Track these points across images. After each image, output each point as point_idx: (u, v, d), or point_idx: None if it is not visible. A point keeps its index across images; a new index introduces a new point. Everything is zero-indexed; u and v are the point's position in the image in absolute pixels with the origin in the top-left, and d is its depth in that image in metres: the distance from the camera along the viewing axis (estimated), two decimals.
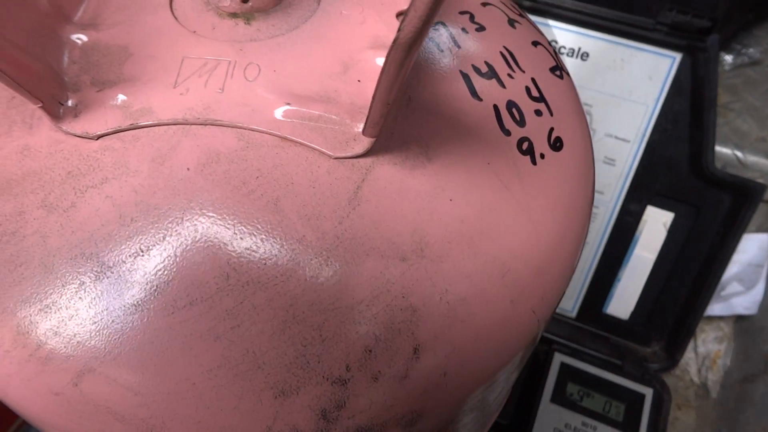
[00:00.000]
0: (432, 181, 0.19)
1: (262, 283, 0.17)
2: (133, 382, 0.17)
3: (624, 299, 0.56)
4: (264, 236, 0.17)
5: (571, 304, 0.58)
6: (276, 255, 0.17)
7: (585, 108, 0.55)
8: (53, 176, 0.18)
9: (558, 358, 0.54)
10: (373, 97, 0.15)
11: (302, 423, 0.17)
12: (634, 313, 0.55)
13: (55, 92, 0.18)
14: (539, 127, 0.22)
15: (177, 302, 0.17)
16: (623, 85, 0.53)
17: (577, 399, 0.52)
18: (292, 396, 0.17)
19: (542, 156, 0.21)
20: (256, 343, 0.17)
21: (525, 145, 0.21)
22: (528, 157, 0.21)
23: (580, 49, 0.54)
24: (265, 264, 0.17)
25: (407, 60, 0.14)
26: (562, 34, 0.54)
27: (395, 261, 0.18)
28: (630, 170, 0.54)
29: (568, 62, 0.54)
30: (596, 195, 0.56)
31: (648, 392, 0.51)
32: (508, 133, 0.21)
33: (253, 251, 0.17)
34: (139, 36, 0.20)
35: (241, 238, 0.17)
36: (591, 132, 0.55)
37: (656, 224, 0.55)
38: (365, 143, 0.18)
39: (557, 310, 0.58)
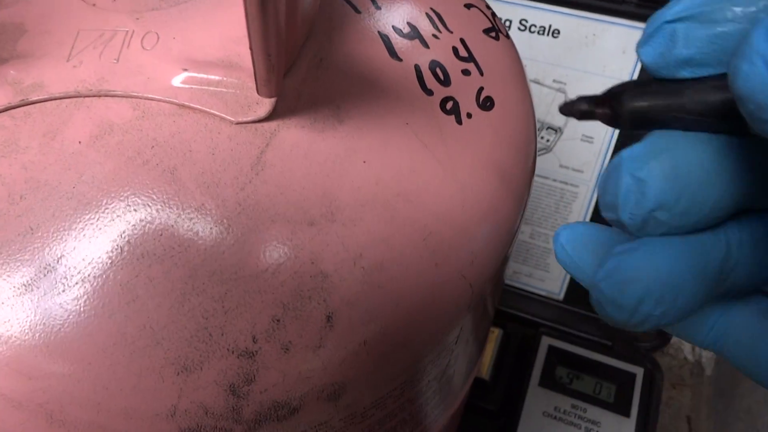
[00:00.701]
0: (343, 143, 0.18)
1: (158, 255, 0.16)
2: (27, 366, 0.16)
3: None
4: (159, 207, 0.16)
5: (557, 286, 0.57)
6: (173, 225, 0.16)
7: (558, 86, 0.54)
8: None
9: (545, 342, 0.53)
10: (251, 48, 0.14)
11: (210, 400, 0.16)
12: None
13: None
14: (467, 86, 0.21)
15: (68, 279, 0.16)
16: (596, 61, 0.52)
17: (567, 382, 0.50)
18: (196, 372, 0.16)
19: (469, 115, 0.20)
20: (154, 318, 0.16)
21: (449, 105, 0.20)
22: (452, 117, 0.20)
23: (550, 26, 0.53)
24: (161, 235, 0.16)
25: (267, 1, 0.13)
26: (532, 12, 0.53)
27: (303, 226, 0.17)
28: (609, 146, 0.53)
29: (540, 40, 0.53)
30: (576, 174, 0.55)
31: (639, 371, 0.50)
32: (430, 92, 0.20)
33: (148, 222, 0.16)
34: (36, 12, 0.19)
35: (135, 210, 0.16)
36: None
37: None
38: (267, 106, 0.17)
39: (543, 293, 0.57)
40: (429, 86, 0.20)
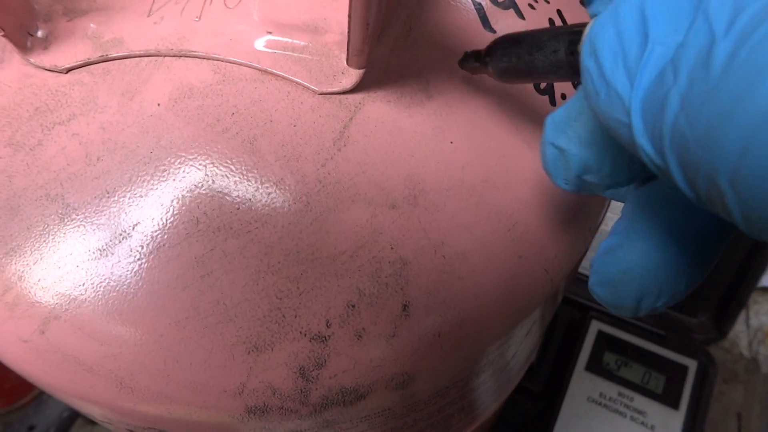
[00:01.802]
0: (430, 121, 0.17)
1: (234, 230, 0.15)
2: (99, 331, 0.15)
3: None
4: (238, 178, 0.16)
5: None
6: (250, 199, 0.15)
7: None
8: (21, 113, 0.17)
9: (595, 326, 0.51)
10: (349, 17, 0.13)
11: (279, 381, 0.16)
12: None
13: (24, 21, 0.17)
14: None
15: (143, 248, 0.15)
16: None
17: (614, 368, 0.49)
18: (267, 352, 0.15)
19: (563, 96, 0.19)
20: (228, 294, 0.15)
21: (543, 84, 0.19)
22: (546, 97, 0.18)
23: None
24: (238, 209, 0.15)
25: None
26: None
27: (384, 209, 0.16)
28: None
29: None
30: None
31: (692, 364, 0.48)
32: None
33: (226, 195, 0.15)
34: None
35: (213, 181, 0.16)
36: None
37: None
38: (353, 77, 0.16)
39: None
40: None
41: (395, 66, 0.17)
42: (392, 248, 0.16)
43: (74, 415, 0.51)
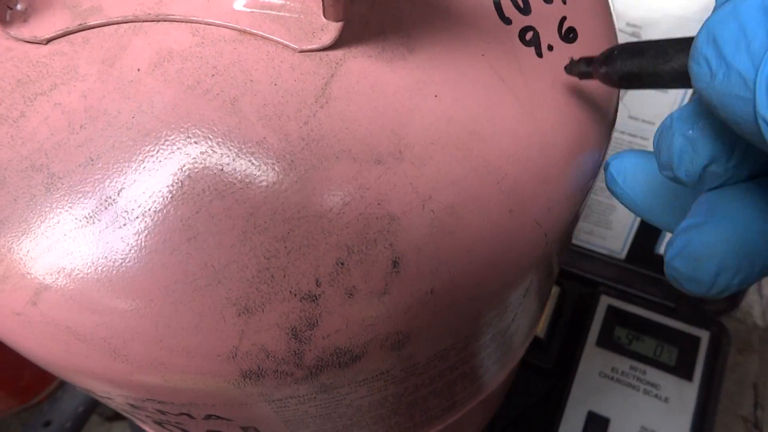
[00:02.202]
0: (414, 74, 0.17)
1: (219, 191, 0.15)
2: (90, 300, 0.15)
3: None
4: (220, 139, 0.15)
5: (620, 244, 0.54)
6: (234, 160, 0.15)
7: (632, 30, 0.50)
8: (3, 86, 0.17)
9: (605, 301, 0.51)
10: None
11: (271, 343, 0.16)
12: None
13: None
14: (548, 15, 0.19)
15: (129, 213, 0.15)
16: (676, 2, 0.48)
17: (626, 342, 0.49)
18: (258, 313, 0.15)
19: (550, 48, 0.19)
20: (215, 256, 0.15)
21: (529, 35, 0.18)
22: (532, 49, 0.18)
23: None
24: (221, 170, 0.15)
25: None
26: None
27: (369, 164, 0.16)
28: (684, 97, 0.49)
29: None
30: (646, 126, 0.51)
31: (704, 335, 0.48)
32: (508, 21, 0.18)
33: (209, 156, 0.15)
34: None
35: (195, 143, 0.15)
36: None
37: None
38: (333, 32, 0.16)
39: (604, 251, 0.54)
40: (507, 14, 0.18)
41: (375, 21, 0.17)
42: (379, 204, 0.16)
43: (89, 410, 0.51)
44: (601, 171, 0.22)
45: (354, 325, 0.16)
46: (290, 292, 0.15)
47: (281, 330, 0.16)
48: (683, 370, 0.46)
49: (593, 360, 0.48)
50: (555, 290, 0.52)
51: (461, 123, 0.17)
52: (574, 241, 0.55)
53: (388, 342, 0.17)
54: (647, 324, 0.49)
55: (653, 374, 0.47)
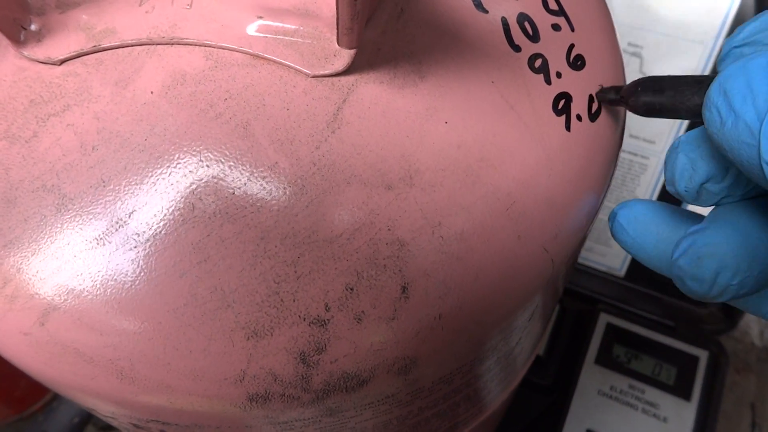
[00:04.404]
0: (424, 101, 0.17)
1: (230, 215, 0.15)
2: (98, 321, 0.15)
3: None
4: (232, 163, 0.15)
5: (619, 262, 0.54)
6: (245, 184, 0.15)
7: (634, 50, 0.50)
8: (16, 105, 0.17)
9: (604, 319, 0.51)
10: None
11: (279, 367, 0.16)
12: None
13: (17, 15, 0.17)
14: (557, 43, 0.19)
15: (139, 235, 0.15)
16: (677, 23, 0.49)
17: (624, 361, 0.49)
18: (266, 337, 0.15)
19: (558, 75, 0.19)
20: (225, 280, 0.15)
21: (538, 63, 0.18)
22: (541, 76, 0.18)
23: None
24: (233, 193, 0.15)
25: None
26: None
27: (380, 190, 0.16)
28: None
29: (615, 0, 0.50)
30: (647, 145, 0.52)
31: (702, 355, 0.48)
32: (518, 49, 0.18)
33: (221, 179, 0.15)
34: None
35: (208, 166, 0.15)
36: (641, 75, 0.51)
37: None
38: (345, 58, 0.16)
39: (603, 269, 0.54)
40: (517, 42, 0.18)
41: (387, 47, 0.17)
42: (389, 229, 0.16)
43: (84, 421, 0.51)
44: (605, 192, 0.22)
45: (362, 350, 0.16)
46: (299, 316, 0.15)
47: (289, 354, 0.16)
48: (682, 390, 0.46)
49: (592, 378, 0.48)
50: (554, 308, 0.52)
51: (471, 149, 0.17)
52: None
53: (395, 367, 0.17)
54: (646, 343, 0.49)
55: (652, 393, 0.47)
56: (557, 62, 0.19)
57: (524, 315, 0.19)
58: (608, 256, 0.55)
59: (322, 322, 0.15)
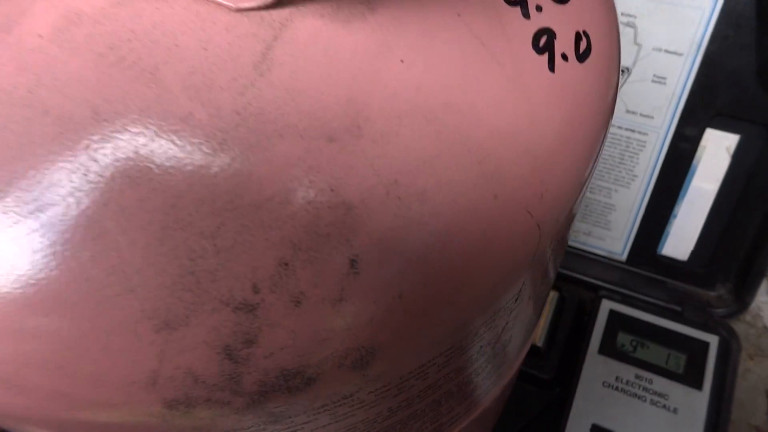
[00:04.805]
0: (375, 36, 0.14)
1: (132, 178, 0.12)
2: None
3: (682, 238, 0.49)
4: (136, 116, 0.12)
5: (620, 245, 0.51)
6: (151, 140, 0.12)
7: (627, 19, 0.47)
8: None
9: (606, 306, 0.48)
10: None
11: (199, 365, 0.13)
12: (695, 253, 0.49)
13: None
14: None
15: (20, 208, 0.12)
16: None
17: (630, 350, 0.46)
18: (181, 328, 0.12)
19: (539, 8, 0.16)
20: (126, 259, 0.12)
21: None
22: (518, 9, 0.15)
23: None
24: (136, 152, 0.12)
25: None
26: None
27: (321, 142, 0.13)
28: (684, 88, 0.46)
29: None
30: (645, 120, 0.49)
31: (713, 340, 0.45)
32: None
33: (120, 136, 0.12)
34: None
35: (105, 120, 0.12)
36: (636, 47, 0.48)
37: (717, 149, 0.47)
38: None
39: (603, 253, 0.51)
40: None
41: None
42: (332, 190, 0.13)
43: None
44: (598, 156, 0.19)
45: (303, 340, 0.13)
46: (221, 301, 0.12)
47: (211, 348, 0.13)
48: (692, 378, 0.43)
49: (596, 369, 0.45)
50: (553, 295, 0.49)
51: (433, 92, 0.14)
52: (571, 243, 0.53)
53: (348, 360, 0.14)
54: (652, 329, 0.46)
55: (660, 383, 0.44)
56: None
57: (508, 295, 0.16)
58: (608, 240, 0.52)
59: (251, 307, 0.12)
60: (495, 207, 0.14)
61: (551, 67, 0.15)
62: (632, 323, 0.46)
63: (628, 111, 0.49)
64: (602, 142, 0.18)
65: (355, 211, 0.13)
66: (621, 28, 0.48)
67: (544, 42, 0.15)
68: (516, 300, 0.17)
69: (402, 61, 0.14)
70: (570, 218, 0.18)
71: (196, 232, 0.12)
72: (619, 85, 0.49)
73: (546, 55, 0.15)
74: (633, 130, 0.49)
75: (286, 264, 0.12)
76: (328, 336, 0.13)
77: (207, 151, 0.12)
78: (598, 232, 0.52)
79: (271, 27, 0.13)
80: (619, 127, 0.50)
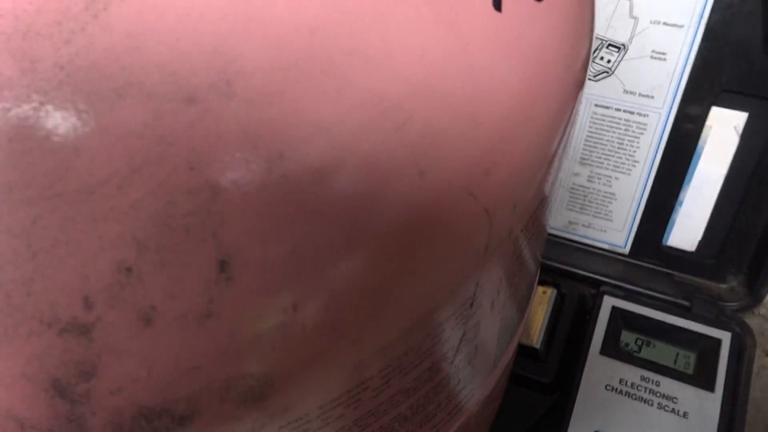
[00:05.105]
0: None
1: None
2: None
3: (688, 227, 0.45)
4: None
5: (622, 237, 0.48)
6: None
7: None
8: None
9: (608, 302, 0.44)
10: None
11: (22, 405, 0.09)
12: (703, 243, 0.45)
13: None
14: None
15: None
16: None
17: (635, 349, 0.42)
18: None
19: None
20: None
21: None
22: None
23: None
24: None
25: None
26: None
27: (176, 104, 0.10)
28: (686, 64, 0.43)
29: None
30: (645, 100, 0.45)
31: (725, 337, 0.41)
32: None
33: None
34: None
35: None
36: (632, 20, 0.44)
37: (725, 129, 0.44)
38: None
39: (605, 246, 0.48)
40: None
41: None
42: (192, 168, 0.09)
43: None
44: (568, 131, 0.15)
45: (162, 369, 0.10)
46: (41, 321, 0.09)
47: (35, 383, 0.09)
48: (703, 379, 0.40)
49: (598, 371, 0.41)
50: (551, 292, 0.45)
51: (332, 36, 0.10)
52: (570, 235, 0.49)
53: (232, 392, 0.10)
54: (658, 327, 0.42)
55: (668, 385, 0.40)
56: None
57: (454, 301, 0.13)
58: (610, 232, 0.48)
59: (83, 329, 0.09)
60: (422, 187, 0.11)
61: (497, 3, 0.12)
62: (637, 320, 0.43)
63: (625, 91, 0.45)
64: (574, 107, 0.14)
65: (223, 195, 0.10)
66: (615, 1, 0.44)
67: None
68: (471, 306, 0.14)
69: None
70: (539, 200, 0.15)
71: (3, 230, 0.09)
72: (615, 63, 0.45)
73: None
74: (632, 112, 0.46)
75: (129, 269, 0.09)
76: (196, 363, 0.10)
77: (18, 118, 0.09)
78: (599, 223, 0.48)
79: None
80: (617, 109, 0.46)
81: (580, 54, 0.15)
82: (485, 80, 0.11)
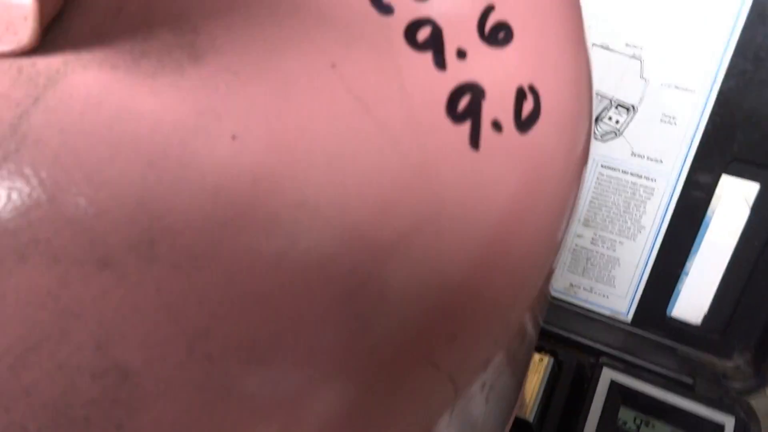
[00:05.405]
0: (196, 99, 0.09)
1: None
2: None
3: (694, 299, 0.43)
4: None
5: (625, 304, 0.46)
6: None
7: (632, 51, 0.42)
8: None
9: (607, 375, 0.42)
10: None
11: None
12: (709, 317, 0.43)
13: None
14: (460, 3, 0.11)
15: None
16: (684, 18, 0.41)
17: (633, 428, 0.40)
18: None
19: (461, 54, 0.11)
20: None
21: (424, 33, 0.11)
22: (429, 55, 0.11)
23: None
24: None
25: None
26: None
27: (87, 268, 0.08)
28: (697, 129, 0.41)
29: None
30: (654, 165, 0.44)
31: (728, 421, 0.39)
32: (387, 9, 0.11)
33: None
34: None
35: None
36: (643, 82, 0.43)
37: (735, 199, 0.42)
38: (31, 26, 0.09)
39: (606, 312, 0.46)
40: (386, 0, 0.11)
41: (136, 6, 0.09)
42: (99, 348, 0.08)
43: None
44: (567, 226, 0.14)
45: None
46: None
47: None
48: None
49: None
50: (547, 360, 0.43)
51: (278, 187, 0.09)
52: (571, 300, 0.47)
53: None
54: (659, 406, 0.40)
55: None
56: (460, 33, 0.11)
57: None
58: (612, 298, 0.46)
59: None
60: (370, 363, 0.09)
61: (474, 142, 0.10)
62: (636, 397, 0.41)
63: (633, 154, 0.44)
64: (563, 237, 0.13)
65: (134, 380, 0.08)
66: (626, 60, 0.43)
67: (465, 105, 0.10)
68: (469, 401, 0.12)
69: (234, 137, 0.09)
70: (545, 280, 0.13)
71: None
72: (624, 124, 0.44)
73: (467, 124, 0.10)
74: (639, 176, 0.44)
75: None
76: None
77: None
78: (601, 288, 0.46)
79: (33, 84, 0.09)
80: (624, 172, 0.45)
81: (578, 168, 0.13)
82: (458, 229, 0.10)
